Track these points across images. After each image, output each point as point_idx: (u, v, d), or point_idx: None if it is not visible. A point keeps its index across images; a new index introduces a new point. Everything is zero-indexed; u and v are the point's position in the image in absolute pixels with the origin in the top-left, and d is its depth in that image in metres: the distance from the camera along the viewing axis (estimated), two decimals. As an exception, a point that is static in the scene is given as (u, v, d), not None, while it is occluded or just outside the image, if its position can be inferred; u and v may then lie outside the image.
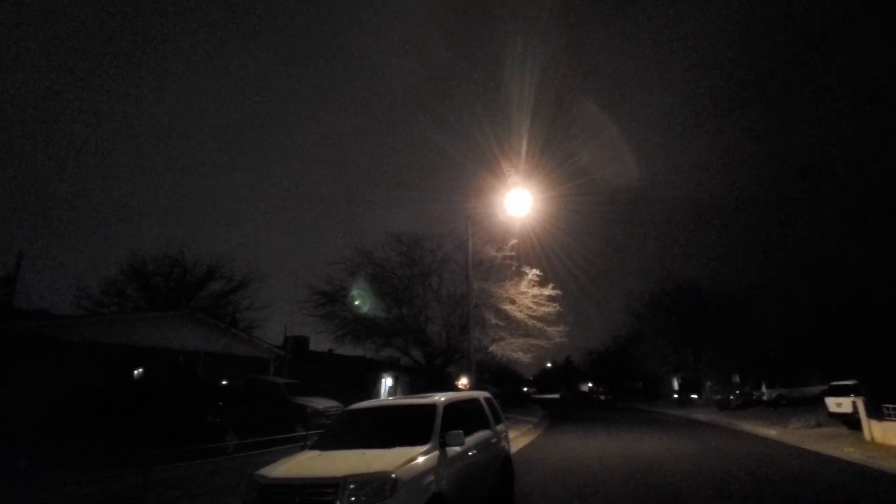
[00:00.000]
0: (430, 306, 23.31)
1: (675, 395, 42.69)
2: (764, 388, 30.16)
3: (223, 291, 30.85)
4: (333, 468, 4.78)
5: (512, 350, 20.91)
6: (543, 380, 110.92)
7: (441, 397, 6.47)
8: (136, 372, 16.14)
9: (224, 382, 12.27)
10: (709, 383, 38.20)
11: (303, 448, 8.72)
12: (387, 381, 30.59)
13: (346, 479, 4.50)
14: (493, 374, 38.34)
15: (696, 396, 38.75)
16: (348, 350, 27.25)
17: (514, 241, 20.91)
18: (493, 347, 20.72)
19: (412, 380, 31.28)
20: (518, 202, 16.83)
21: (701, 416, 25.68)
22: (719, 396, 31.14)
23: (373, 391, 29.10)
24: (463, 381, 34.78)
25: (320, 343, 29.64)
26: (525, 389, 66.33)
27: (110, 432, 10.81)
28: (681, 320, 36.49)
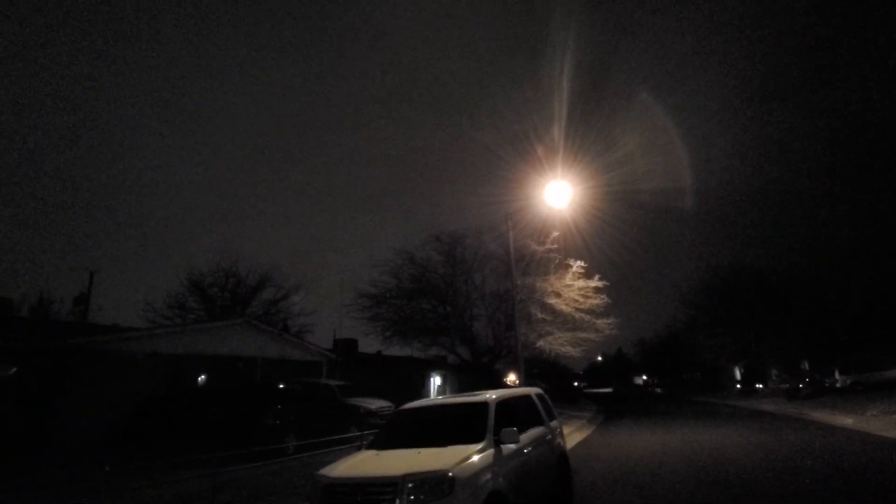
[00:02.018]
0: (474, 304, 23.32)
1: (738, 386, 40.62)
2: (837, 375, 28.19)
3: (274, 299, 32.13)
4: (391, 467, 4.83)
5: (560, 344, 20.56)
6: (594, 374, 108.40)
7: (492, 395, 6.42)
8: (199, 379, 17.03)
9: (281, 386, 12.75)
10: (775, 371, 36.10)
11: (359, 448, 8.93)
12: (435, 380, 30.81)
13: (405, 479, 4.53)
14: (542, 370, 37.86)
15: (761, 386, 36.72)
16: (396, 350, 27.72)
17: (555, 234, 20.57)
18: (540, 343, 20.45)
19: (460, 378, 31.36)
20: (558, 194, 16.49)
21: (767, 406, 24.32)
22: (787, 385, 29.37)
23: (421, 390, 29.38)
24: (511, 378, 34.53)
25: (369, 345, 30.29)
26: (575, 384, 65.09)
27: (178, 436, 11.46)
28: (739, 306, 34.64)
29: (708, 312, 36.94)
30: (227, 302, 30.46)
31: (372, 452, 5.61)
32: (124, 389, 13.82)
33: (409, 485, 4.51)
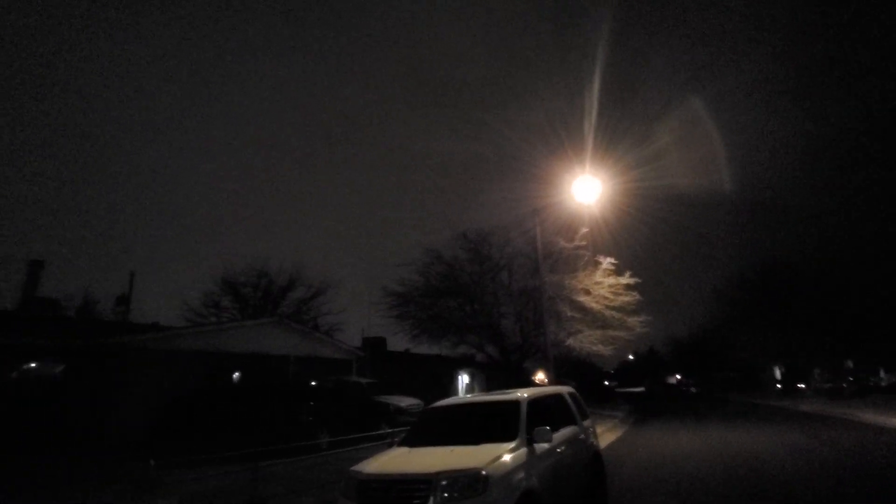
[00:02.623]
0: (501, 302, 23.16)
1: (778, 385, 39.12)
2: (882, 373, 26.79)
3: (304, 298, 32.79)
4: (424, 465, 4.85)
5: (590, 342, 20.23)
6: (625, 372, 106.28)
7: (524, 393, 6.37)
8: (234, 376, 17.52)
9: (313, 383, 13.00)
10: (817, 370, 34.61)
11: (390, 445, 9.00)
12: (463, 378, 30.84)
13: (438, 476, 4.54)
14: (571, 368, 37.39)
15: (802, 386, 35.28)
16: (424, 349, 27.86)
17: (584, 231, 20.23)
18: (570, 341, 20.17)
19: (488, 376, 31.29)
20: (587, 190, 16.23)
21: (809, 406, 23.34)
22: (830, 384, 28.12)
23: (450, 388, 29.45)
24: (539, 377, 34.20)
25: (397, 343, 30.55)
26: (606, 383, 63.99)
27: (216, 432, 11.82)
28: (778, 303, 33.33)
29: (745, 309, 35.68)
30: (260, 301, 31.27)
31: (404, 449, 5.64)
32: (164, 386, 14.35)
33: (443, 482, 4.51)
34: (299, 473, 8.50)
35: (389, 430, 11.00)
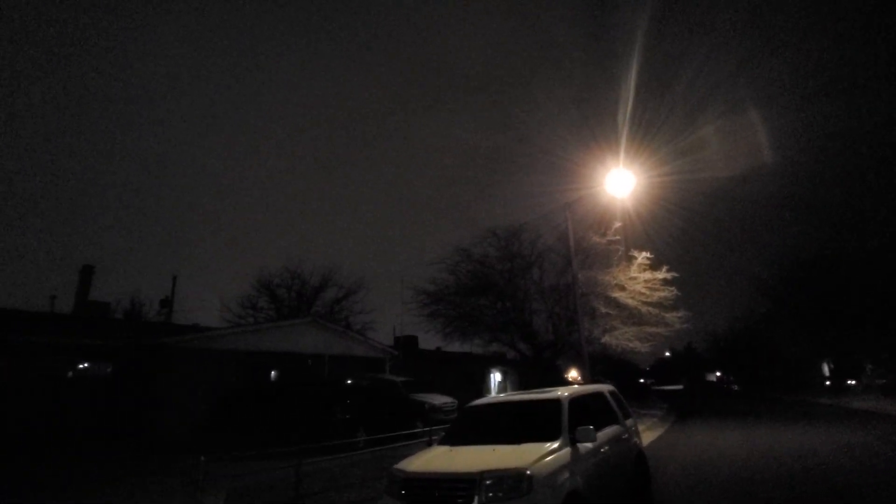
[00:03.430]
0: (533, 299, 22.92)
1: (827, 382, 37.30)
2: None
3: (337, 298, 33.33)
4: (467, 464, 4.81)
5: (626, 339, 19.75)
6: (662, 370, 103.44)
7: (564, 392, 6.25)
8: (271, 374, 17.95)
9: (349, 382, 13.16)
10: (870, 366, 32.79)
11: (429, 444, 9.04)
12: (495, 377, 30.67)
13: (482, 475, 4.49)
14: (605, 366, 36.67)
15: (853, 382, 33.51)
16: (456, 347, 27.86)
17: (618, 225, 19.75)
18: (605, 338, 19.74)
19: (520, 374, 31.03)
20: (620, 183, 15.84)
21: (862, 403, 22.14)
22: (884, 380, 26.59)
23: (482, 386, 29.35)
24: (572, 374, 33.68)
25: (428, 341, 30.68)
26: (642, 381, 62.44)
27: (256, 428, 12.12)
28: (826, 296, 31.73)
29: (791, 303, 34.13)
30: (294, 302, 31.96)
31: (445, 448, 5.61)
32: (206, 384, 14.84)
33: (487, 482, 4.46)
34: (338, 471, 8.60)
35: (427, 429, 11.03)
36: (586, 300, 18.80)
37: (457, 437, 5.96)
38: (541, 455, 4.80)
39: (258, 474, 7.71)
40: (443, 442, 5.98)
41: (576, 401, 6.09)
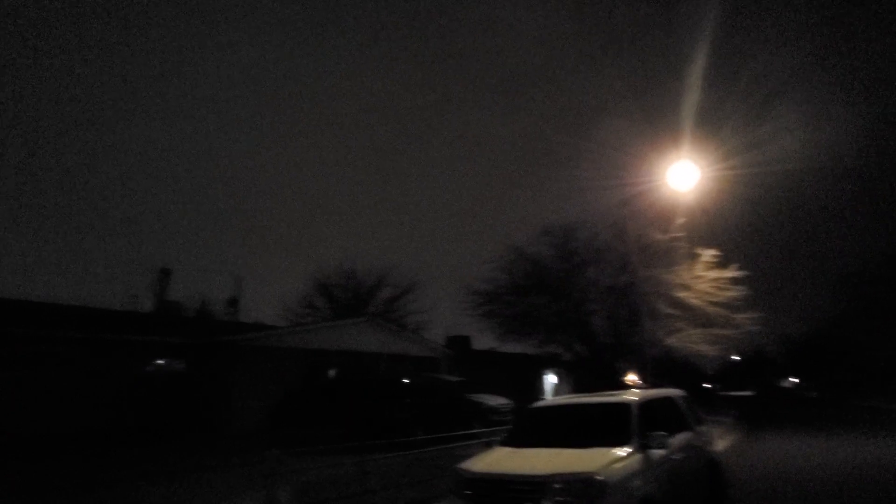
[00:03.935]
0: (590, 299, 22.30)
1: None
2: None
3: (391, 298, 33.97)
4: (534, 466, 4.70)
5: (692, 341, 18.75)
6: (729, 374, 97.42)
7: (633, 395, 6.00)
8: (329, 372, 18.52)
9: (406, 380, 13.34)
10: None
11: (487, 445, 8.95)
12: (550, 379, 30.07)
13: (550, 479, 4.38)
14: (668, 370, 35.02)
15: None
16: (511, 347, 27.59)
17: (681, 221, 18.76)
18: (670, 340, 18.83)
19: (577, 376, 30.24)
20: (683, 177, 15.03)
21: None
22: None
23: (536, 388, 28.88)
24: (631, 378, 32.40)
25: (482, 341, 30.56)
26: (707, 386, 59.10)
27: (318, 424, 12.52)
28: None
29: (878, 303, 31.13)
30: (350, 301, 32.86)
31: (508, 450, 5.53)
32: (270, 380, 15.56)
33: (556, 485, 4.34)
34: (398, 468, 8.70)
35: (486, 430, 10.96)
36: (648, 300, 18.00)
37: (519, 438, 5.86)
38: (611, 460, 4.61)
39: (321, 469, 7.94)
40: (505, 443, 5.89)
41: (645, 405, 5.82)
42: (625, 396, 5.94)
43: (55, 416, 12.93)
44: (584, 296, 22.20)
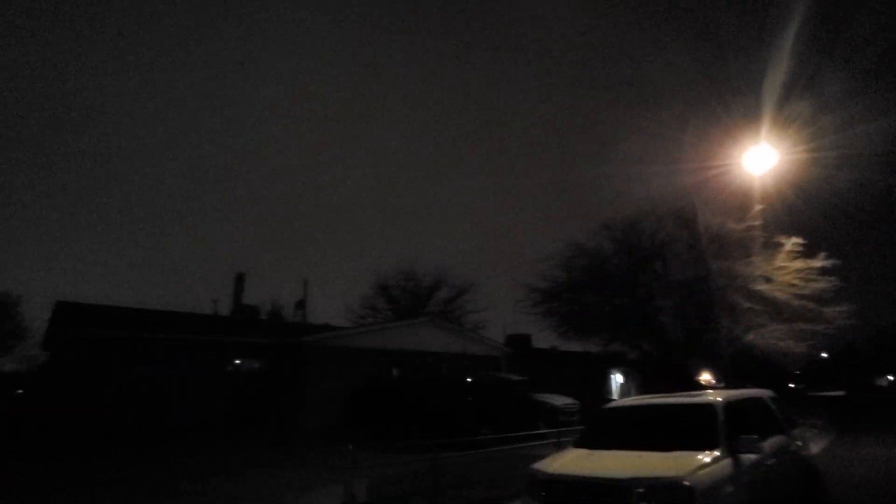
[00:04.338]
0: (657, 294, 21.20)
1: None
2: None
3: (449, 298, 34.19)
4: (613, 469, 4.52)
5: (777, 338, 17.33)
6: (815, 373, 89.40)
7: (717, 396, 5.63)
8: (393, 371, 18.92)
9: (470, 380, 13.35)
10: None
11: (557, 445, 8.78)
12: (616, 378, 29.01)
13: (633, 483, 4.19)
14: (748, 369, 32.70)
15: None
16: (572, 346, 26.90)
17: (758, 209, 17.38)
18: (751, 336, 17.53)
19: (644, 376, 28.96)
20: (761, 161, 13.92)
21: None
22: None
23: (602, 388, 27.97)
24: (705, 377, 30.53)
25: (542, 340, 30.04)
26: (791, 385, 54.63)
27: (386, 422, 12.82)
28: None
29: None
30: (409, 302, 33.43)
31: (584, 451, 5.36)
32: (338, 379, 16.16)
33: (639, 490, 4.15)
34: (465, 468, 8.72)
35: (553, 430, 10.76)
36: (724, 294, 16.84)
37: (594, 439, 5.67)
38: (698, 465, 4.34)
39: (393, 467, 8.11)
40: (579, 444, 5.72)
41: (732, 406, 5.44)
42: (709, 397, 5.60)
43: (156, 410, 14.21)
44: (649, 291, 21.17)
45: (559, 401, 14.53)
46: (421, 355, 18.94)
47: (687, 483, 4.03)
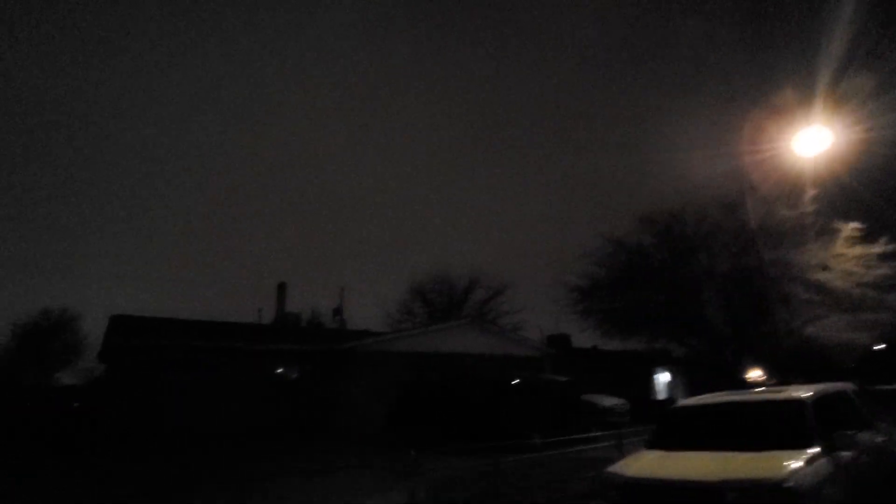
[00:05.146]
0: (703, 288, 20.38)
1: None
2: None
3: (484, 299, 33.90)
4: (701, 471, 4.25)
5: (838, 330, 16.35)
6: (874, 366, 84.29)
7: (803, 391, 5.27)
8: (437, 374, 18.79)
9: (516, 381, 13.10)
10: None
11: (618, 447, 8.47)
12: (660, 377, 28.07)
13: (725, 485, 3.92)
14: (800, 363, 31.08)
15: None
16: (614, 345, 26.21)
17: (812, 193, 16.47)
18: (810, 329, 16.60)
19: (691, 374, 27.93)
20: (815, 143, 13.20)
21: None
22: None
23: (647, 387, 27.13)
24: (755, 374, 29.20)
25: (582, 339, 29.39)
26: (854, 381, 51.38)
27: (432, 424, 12.69)
28: None
29: None
30: (444, 305, 33.33)
31: (659, 453, 5.09)
32: (382, 383, 16.18)
33: (732, 492, 3.88)
34: (521, 471, 8.51)
35: (609, 432, 10.42)
36: (777, 285, 16.02)
37: (668, 440, 5.37)
38: (796, 465, 4.03)
39: (450, 470, 7.99)
40: (652, 446, 5.44)
41: (821, 401, 5.08)
42: (794, 392, 5.25)
43: (206, 415, 14.59)
44: (694, 285, 20.36)
45: (609, 401, 14.10)
46: (462, 357, 18.77)
47: (790, 485, 3.74)
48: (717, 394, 6.08)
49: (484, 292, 33.52)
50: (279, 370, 17.13)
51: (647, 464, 4.80)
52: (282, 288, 26.34)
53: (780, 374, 20.74)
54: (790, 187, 16.49)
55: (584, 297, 23.79)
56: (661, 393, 27.07)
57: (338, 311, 27.64)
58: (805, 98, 14.34)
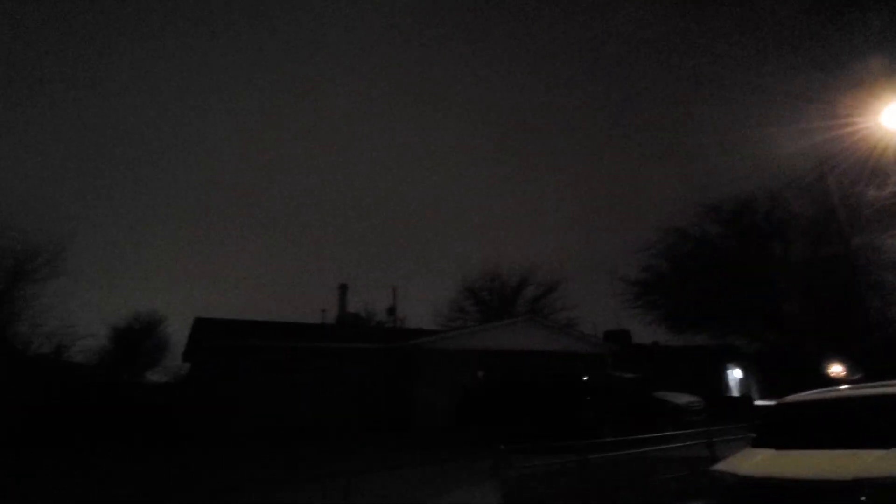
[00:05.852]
0: (777, 278, 19.15)
1: None
2: None
3: (536, 296, 33.45)
4: (827, 470, 3.99)
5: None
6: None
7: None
8: (495, 371, 18.71)
9: (586, 378, 12.81)
10: None
11: (709, 445, 8.09)
12: (733, 373, 26.63)
13: (858, 484, 3.66)
14: (886, 358, 28.56)
15: None
16: (677, 340, 25.16)
17: (903, 171, 15.06)
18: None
19: (765, 370, 26.33)
20: (908, 115, 12.06)
21: None
22: None
23: (719, 383, 25.82)
24: (836, 369, 27.15)
25: (642, 335, 28.42)
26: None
27: (501, 421, 12.62)
28: None
29: None
30: (496, 303, 33.13)
31: (770, 451, 4.81)
32: (447, 379, 16.37)
33: (870, 490, 3.61)
34: (600, 469, 8.30)
35: (682, 431, 9.99)
36: (867, 273, 14.81)
37: (777, 438, 5.07)
38: (941, 464, 3.70)
39: (534, 467, 7.93)
40: (760, 444, 5.15)
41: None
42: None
43: (281, 412, 15.33)
44: (768, 275, 19.17)
45: (682, 399, 13.50)
46: (521, 355, 18.60)
47: (938, 486, 3.43)
48: (826, 389, 5.69)
49: (536, 289, 33.10)
50: (347, 368, 17.65)
51: (761, 462, 4.55)
52: (343, 289, 27.21)
53: (868, 369, 19.14)
54: (877, 165, 15.13)
55: (647, 290, 23.04)
56: (734, 390, 25.69)
57: (391, 311, 28.17)
58: (894, 67, 13.15)
